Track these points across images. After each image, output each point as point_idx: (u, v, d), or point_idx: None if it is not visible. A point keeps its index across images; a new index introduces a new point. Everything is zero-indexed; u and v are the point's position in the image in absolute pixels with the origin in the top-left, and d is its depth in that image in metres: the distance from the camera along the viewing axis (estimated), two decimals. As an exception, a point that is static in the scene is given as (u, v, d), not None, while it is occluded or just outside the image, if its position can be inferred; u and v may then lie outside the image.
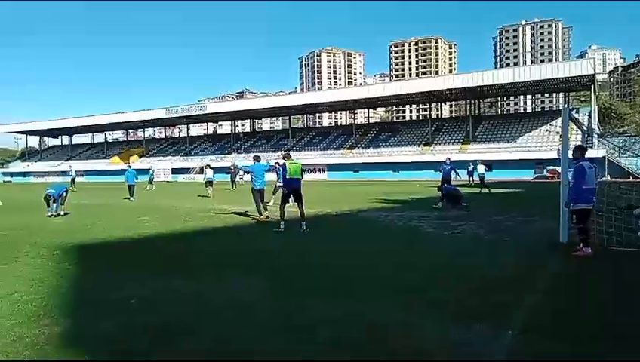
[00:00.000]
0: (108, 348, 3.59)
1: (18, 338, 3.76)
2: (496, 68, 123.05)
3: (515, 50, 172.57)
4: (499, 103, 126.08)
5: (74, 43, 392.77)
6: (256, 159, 13.38)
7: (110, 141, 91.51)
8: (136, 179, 22.91)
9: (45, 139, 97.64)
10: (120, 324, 4.10)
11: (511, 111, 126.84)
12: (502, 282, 5.59)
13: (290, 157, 11.32)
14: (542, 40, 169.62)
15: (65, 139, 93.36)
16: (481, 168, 26.63)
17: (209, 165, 28.52)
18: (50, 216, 13.55)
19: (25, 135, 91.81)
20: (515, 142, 51.08)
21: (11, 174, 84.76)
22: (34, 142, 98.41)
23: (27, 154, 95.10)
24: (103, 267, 6.83)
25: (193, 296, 5.10)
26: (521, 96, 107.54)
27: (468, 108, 60.50)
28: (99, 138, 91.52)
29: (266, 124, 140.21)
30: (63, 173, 76.40)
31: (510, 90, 59.65)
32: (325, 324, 4.06)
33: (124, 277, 5.94)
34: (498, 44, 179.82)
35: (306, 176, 58.90)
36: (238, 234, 10.43)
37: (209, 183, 24.32)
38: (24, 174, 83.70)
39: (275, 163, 13.57)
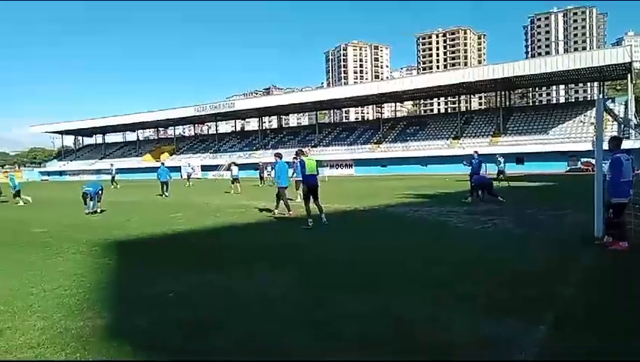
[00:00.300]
0: (146, 341, 3.75)
1: (65, 329, 3.98)
2: (527, 58, 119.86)
3: (547, 39, 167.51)
4: (530, 94, 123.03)
5: (107, 43, 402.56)
6: (278, 156, 13.43)
7: (142, 139, 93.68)
8: (169, 176, 23.60)
9: (80, 138, 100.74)
10: (156, 318, 4.28)
11: (543, 102, 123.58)
12: (533, 276, 5.54)
13: (305, 153, 11.67)
14: (575, 28, 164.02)
15: (99, 138, 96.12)
16: (501, 161, 26.36)
17: (234, 162, 29.16)
18: (87, 214, 14.05)
19: (60, 135, 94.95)
20: (547, 134, 49.81)
21: (48, 173, 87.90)
22: (69, 141, 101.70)
23: (63, 154, 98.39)
24: (138, 262, 7.09)
25: (224, 290, 5.25)
26: (554, 87, 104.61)
27: (498, 99, 59.25)
28: (131, 136, 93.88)
29: (292, 120, 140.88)
30: (98, 172, 78.85)
31: (542, 81, 58.12)
32: (352, 319, 4.13)
33: (159, 273, 6.16)
34: (529, 33, 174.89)
35: (333, 172, 58.86)
36: (267, 229, 10.61)
37: (235, 180, 24.79)
38: (60, 173, 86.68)
39: (293, 159, 13.63)
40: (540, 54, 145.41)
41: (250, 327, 4.04)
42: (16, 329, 4.04)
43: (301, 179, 11.78)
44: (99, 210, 14.61)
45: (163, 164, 26.26)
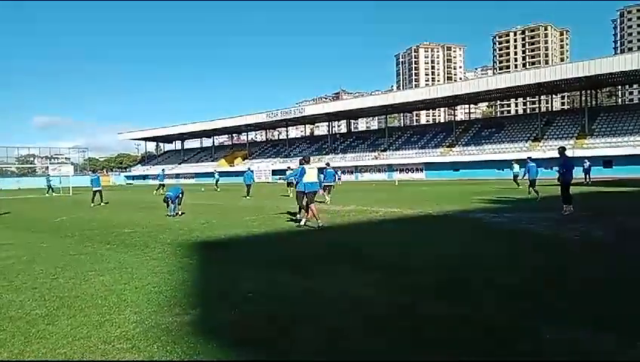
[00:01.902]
0: (232, 337, 3.88)
1: (156, 324, 4.22)
2: (616, 54, 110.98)
3: (639, 32, 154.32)
4: (619, 92, 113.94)
5: (183, 56, 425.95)
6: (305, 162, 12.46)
7: (217, 145, 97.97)
8: (253, 180, 27.36)
9: (161, 144, 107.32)
10: (240, 316, 4.42)
11: (634, 101, 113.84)
12: (628, 289, 5.09)
13: (308, 162, 11.86)
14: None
15: (178, 144, 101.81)
16: (516, 167, 26.96)
17: (289, 167, 30.63)
18: (168, 216, 14.88)
19: (144, 141, 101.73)
20: (639, 135, 45.78)
21: (133, 177, 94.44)
22: (151, 147, 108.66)
23: (146, 159, 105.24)
24: (219, 262, 7.36)
25: (306, 289, 5.33)
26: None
27: (583, 99, 55.40)
28: (207, 142, 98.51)
29: (362, 124, 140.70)
30: (177, 176, 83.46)
31: (634, 78, 53.55)
32: (437, 324, 4.01)
33: (240, 272, 6.36)
34: (618, 27, 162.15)
35: (403, 176, 57.92)
36: (339, 231, 10.61)
37: (289, 184, 25.17)
38: (143, 177, 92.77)
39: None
40: (630, 50, 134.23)
41: (334, 324, 4.07)
42: (113, 321, 4.34)
43: (304, 183, 11.47)
44: (180, 213, 15.40)
45: (249, 168, 29.77)
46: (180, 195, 15.80)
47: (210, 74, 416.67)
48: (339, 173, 43.83)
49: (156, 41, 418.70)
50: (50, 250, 8.90)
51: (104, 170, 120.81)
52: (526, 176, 19.44)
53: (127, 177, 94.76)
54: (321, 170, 14.36)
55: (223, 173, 76.56)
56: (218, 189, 38.58)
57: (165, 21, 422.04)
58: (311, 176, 11.43)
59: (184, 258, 7.58)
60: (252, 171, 29.23)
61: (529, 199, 18.27)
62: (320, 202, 13.88)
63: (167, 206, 15.31)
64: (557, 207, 13.40)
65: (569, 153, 46.83)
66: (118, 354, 3.57)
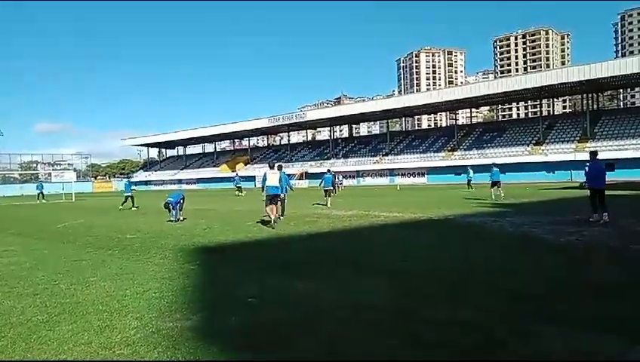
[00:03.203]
0: (233, 341, 3.88)
1: (156, 329, 4.22)
2: (617, 57, 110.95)
3: None
4: (621, 96, 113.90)
5: (180, 59, 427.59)
6: (279, 168, 13.78)
7: (219, 150, 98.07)
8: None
9: (163, 150, 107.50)
10: (241, 321, 4.42)
11: (636, 104, 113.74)
12: (629, 293, 5.08)
13: (273, 167, 13.21)
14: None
15: (180, 150, 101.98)
16: (470, 172, 33.00)
17: (284, 172, 31.07)
18: (169, 222, 14.89)
19: (146, 147, 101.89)
20: (641, 138, 45.70)
21: (135, 183, 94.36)
22: (154, 153, 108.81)
23: (148, 165, 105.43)
24: (221, 267, 7.37)
25: (308, 294, 5.33)
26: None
27: (585, 102, 55.36)
28: (209, 148, 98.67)
29: (363, 129, 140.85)
30: (179, 181, 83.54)
31: (635, 81, 53.48)
32: (436, 329, 4.00)
33: (241, 277, 6.37)
34: (619, 30, 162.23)
35: (405, 181, 57.84)
36: (341, 236, 10.61)
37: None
38: (146, 183, 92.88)
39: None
40: (632, 53, 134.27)
41: (335, 329, 4.08)
42: (114, 327, 4.35)
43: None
44: (181, 218, 15.41)
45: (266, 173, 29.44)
46: (181, 201, 15.81)
47: (211, 80, 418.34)
48: (339, 177, 43.82)
49: (157, 46, 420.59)
50: (52, 256, 8.92)
51: (106, 176, 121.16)
52: (490, 180, 22.74)
53: (130, 183, 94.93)
54: (290, 176, 15.70)
55: (225, 179, 76.87)
56: (241, 194, 36.39)
57: (166, 23, 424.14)
58: (272, 180, 12.83)
59: (185, 263, 7.59)
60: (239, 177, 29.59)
61: (531, 203, 18.24)
62: (321, 204, 14.68)
63: (169, 211, 15.33)
64: (556, 212, 13.39)
65: (570, 157, 46.65)
66: (118, 359, 3.57)
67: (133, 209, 22.86)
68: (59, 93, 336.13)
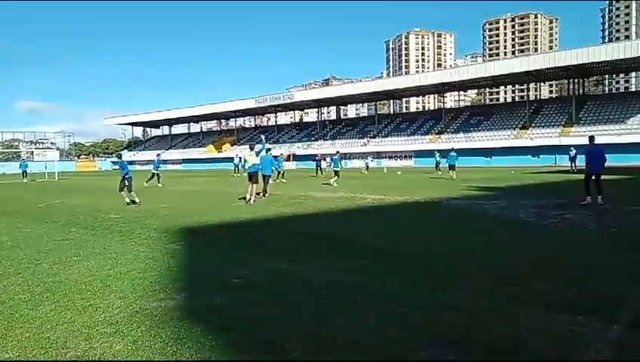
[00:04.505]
0: (217, 321, 3.89)
1: (140, 309, 4.21)
2: (604, 42, 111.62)
3: (626, 22, 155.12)
4: (606, 81, 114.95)
5: (166, 43, 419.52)
6: (267, 150, 16.35)
7: (205, 131, 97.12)
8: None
9: (148, 129, 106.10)
10: (226, 301, 4.42)
11: (620, 90, 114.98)
12: (608, 274, 5.20)
13: (252, 149, 14.94)
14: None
15: (165, 130, 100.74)
16: (437, 156, 34.08)
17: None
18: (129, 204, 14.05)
19: (131, 126, 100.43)
20: (625, 124, 46.36)
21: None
22: (138, 132, 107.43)
23: (133, 144, 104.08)
24: (206, 248, 7.35)
25: (293, 275, 5.35)
26: (633, 73, 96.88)
27: (571, 87, 55.78)
28: (195, 128, 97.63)
29: (351, 111, 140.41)
30: (165, 162, 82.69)
31: (620, 67, 53.99)
32: (420, 311, 4.06)
33: (226, 258, 6.37)
34: (607, 16, 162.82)
35: (392, 163, 58.15)
36: (327, 218, 10.64)
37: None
38: (130, 163, 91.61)
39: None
40: (618, 39, 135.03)
41: (320, 310, 4.10)
42: (97, 306, 4.32)
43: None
44: (137, 200, 14.34)
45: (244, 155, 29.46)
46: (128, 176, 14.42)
47: (198, 60, 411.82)
48: (327, 159, 43.81)
49: (141, 23, 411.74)
50: (34, 235, 8.80)
51: (90, 155, 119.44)
52: (447, 163, 27.10)
53: (114, 163, 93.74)
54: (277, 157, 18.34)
55: (211, 160, 76.28)
56: (238, 174, 35.56)
57: (151, 4, 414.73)
58: (250, 160, 14.60)
59: (170, 244, 7.55)
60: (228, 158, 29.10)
61: (516, 187, 18.47)
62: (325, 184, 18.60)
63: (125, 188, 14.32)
64: (540, 196, 13.59)
65: (555, 141, 47.12)
66: (101, 338, 3.56)
67: (158, 185, 23.43)
68: (41, 71, 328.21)
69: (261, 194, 15.53)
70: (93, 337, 3.59)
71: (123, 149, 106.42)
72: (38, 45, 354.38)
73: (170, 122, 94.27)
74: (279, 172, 26.50)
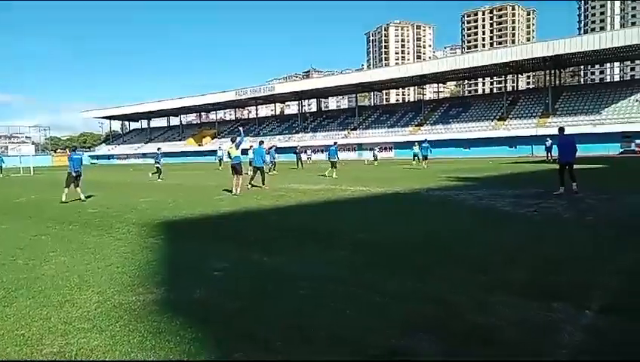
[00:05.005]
0: (197, 314, 3.88)
1: (118, 304, 4.18)
2: (580, 34, 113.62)
3: (602, 13, 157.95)
4: (582, 72, 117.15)
5: (146, 32, 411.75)
6: (260, 142, 18.17)
7: (184, 124, 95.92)
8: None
9: (127, 123, 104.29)
10: (206, 294, 4.41)
11: (596, 81, 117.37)
12: (581, 261, 5.34)
13: (234, 141, 15.26)
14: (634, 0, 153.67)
15: (144, 123, 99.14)
16: (415, 148, 33.30)
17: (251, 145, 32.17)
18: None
19: (108, 120, 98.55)
20: (599, 114, 47.39)
21: (97, 157, 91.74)
22: (116, 126, 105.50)
23: (111, 138, 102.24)
24: (185, 242, 7.30)
25: (274, 268, 5.37)
26: (608, 64, 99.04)
27: (547, 78, 56.72)
28: (174, 121, 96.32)
29: (332, 103, 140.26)
30: (144, 156, 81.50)
31: (595, 58, 55.12)
32: (397, 301, 4.12)
33: (206, 251, 6.34)
34: (582, 7, 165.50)
35: (371, 155, 58.48)
36: (307, 211, 10.67)
37: (250, 163, 26.19)
38: (108, 157, 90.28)
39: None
40: (593, 30, 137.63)
41: (300, 302, 4.12)
42: (74, 302, 4.27)
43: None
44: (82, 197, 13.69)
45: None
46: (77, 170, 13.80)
47: (177, 52, 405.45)
48: (308, 151, 43.86)
49: (120, 12, 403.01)
50: (10, 231, 8.63)
51: (66, 150, 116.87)
52: (421, 155, 29.94)
53: (92, 157, 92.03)
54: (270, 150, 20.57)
55: (192, 153, 75.47)
56: (222, 168, 34.88)
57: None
58: (232, 153, 15.13)
59: (150, 238, 7.48)
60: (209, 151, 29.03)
61: (494, 177, 18.77)
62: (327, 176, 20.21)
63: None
64: (516, 185, 13.85)
65: (532, 132, 47.86)
66: (78, 334, 3.52)
67: (159, 180, 22.48)
68: (15, 63, 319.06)
69: (262, 186, 16.47)
70: (69, 333, 3.55)
71: (101, 143, 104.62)
72: (8, 37, 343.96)
73: (149, 115, 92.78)
74: (274, 164, 27.28)
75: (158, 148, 26.40)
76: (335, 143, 25.41)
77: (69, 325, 3.70)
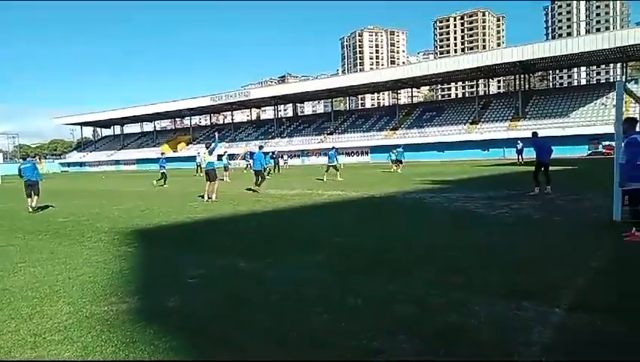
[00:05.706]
0: (171, 322, 3.84)
1: (90, 314, 4.09)
2: (547, 39, 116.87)
3: (568, 19, 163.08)
4: (550, 77, 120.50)
5: (119, 34, 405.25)
6: (260, 147, 19.63)
7: (159, 130, 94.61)
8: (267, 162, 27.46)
9: (99, 129, 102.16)
10: (180, 302, 4.37)
11: (564, 85, 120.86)
12: (551, 261, 5.49)
13: (207, 148, 15.18)
14: (598, 7, 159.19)
15: (117, 130, 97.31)
16: (392, 155, 32.66)
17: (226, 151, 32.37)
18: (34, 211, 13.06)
19: (80, 126, 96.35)
20: (568, 117, 48.87)
21: (68, 164, 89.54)
22: (88, 132, 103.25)
23: (82, 145, 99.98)
24: (159, 250, 7.21)
25: (248, 273, 5.34)
26: (575, 69, 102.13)
27: (517, 83, 58.15)
28: (148, 127, 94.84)
29: (308, 108, 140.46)
30: (117, 163, 79.93)
31: (563, 63, 56.82)
32: (372, 302, 4.16)
33: (182, 258, 6.27)
34: (550, 14, 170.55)
35: (349, 160, 58.70)
36: (284, 216, 10.67)
37: (225, 169, 27.54)
38: (80, 164, 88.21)
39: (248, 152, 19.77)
40: (560, 35, 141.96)
41: (277, 308, 4.12)
42: (44, 313, 4.17)
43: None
44: (34, 207, 13.24)
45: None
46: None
47: (151, 56, 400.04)
48: (284, 156, 43.77)
49: (92, 17, 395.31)
50: (-25, 242, 8.34)
51: (37, 157, 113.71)
52: (399, 159, 29.86)
53: (62, 164, 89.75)
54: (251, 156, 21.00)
55: (167, 160, 74.27)
56: (201, 174, 34.41)
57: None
58: (206, 158, 15.33)
59: (122, 246, 7.36)
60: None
61: (468, 180, 19.10)
62: (320, 179, 20.73)
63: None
64: (488, 188, 14.15)
65: (504, 135, 48.84)
66: (49, 345, 3.44)
67: (160, 186, 22.78)
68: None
69: (258, 188, 17.22)
70: (40, 345, 3.46)
71: (72, 150, 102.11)
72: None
73: (122, 121, 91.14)
74: (272, 167, 28.26)
75: (162, 153, 26.09)
76: (334, 148, 25.97)
77: (39, 337, 3.61)
